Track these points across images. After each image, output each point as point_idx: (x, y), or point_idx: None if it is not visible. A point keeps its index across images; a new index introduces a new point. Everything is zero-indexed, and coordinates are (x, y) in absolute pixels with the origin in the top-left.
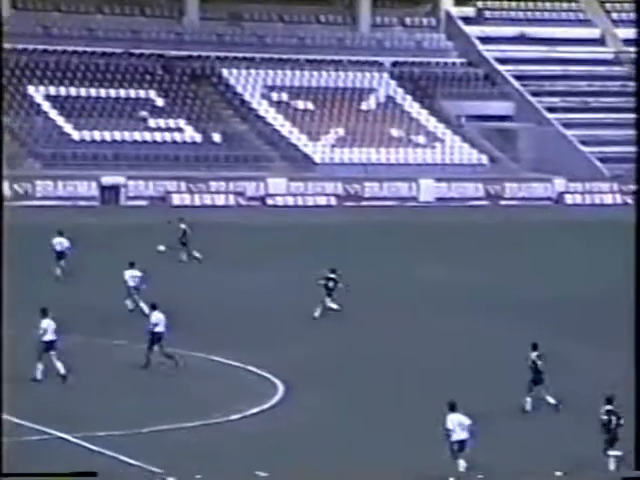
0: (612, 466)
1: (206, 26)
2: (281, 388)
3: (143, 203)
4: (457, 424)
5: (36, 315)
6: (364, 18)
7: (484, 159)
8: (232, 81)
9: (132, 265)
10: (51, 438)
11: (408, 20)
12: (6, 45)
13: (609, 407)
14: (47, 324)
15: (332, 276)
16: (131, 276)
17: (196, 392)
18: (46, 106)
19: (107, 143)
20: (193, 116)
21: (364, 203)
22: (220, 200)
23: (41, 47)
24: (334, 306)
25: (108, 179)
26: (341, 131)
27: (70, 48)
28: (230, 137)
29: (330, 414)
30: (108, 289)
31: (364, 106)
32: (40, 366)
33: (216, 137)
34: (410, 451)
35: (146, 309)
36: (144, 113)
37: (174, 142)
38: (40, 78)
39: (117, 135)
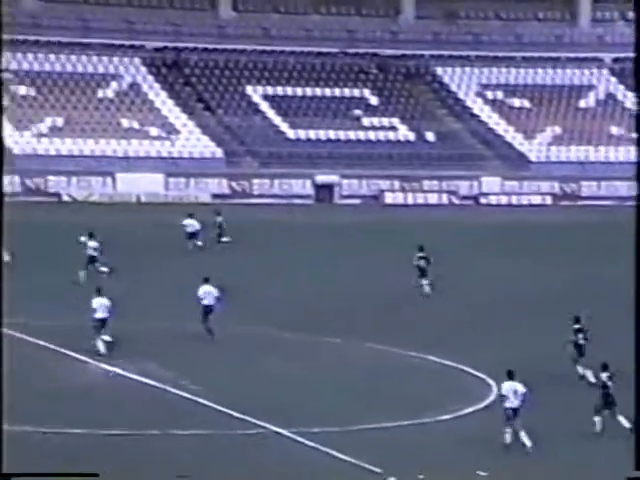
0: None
1: (421, 24)
2: (495, 388)
3: (356, 202)
4: (512, 391)
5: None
6: (584, 13)
7: None
8: (446, 79)
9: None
10: (266, 432)
11: (630, 14)
12: (227, 46)
13: None
14: (99, 303)
15: (423, 255)
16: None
17: (409, 391)
18: (264, 105)
19: (322, 142)
20: (407, 115)
21: (581, 202)
22: (433, 199)
23: (260, 48)
24: (425, 287)
25: (322, 177)
26: (558, 129)
27: (287, 48)
28: (444, 136)
29: (546, 414)
30: (316, 285)
31: (582, 104)
32: (101, 339)
33: (430, 136)
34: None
35: None
36: (358, 112)
37: (388, 141)
38: (258, 78)
39: (331, 134)
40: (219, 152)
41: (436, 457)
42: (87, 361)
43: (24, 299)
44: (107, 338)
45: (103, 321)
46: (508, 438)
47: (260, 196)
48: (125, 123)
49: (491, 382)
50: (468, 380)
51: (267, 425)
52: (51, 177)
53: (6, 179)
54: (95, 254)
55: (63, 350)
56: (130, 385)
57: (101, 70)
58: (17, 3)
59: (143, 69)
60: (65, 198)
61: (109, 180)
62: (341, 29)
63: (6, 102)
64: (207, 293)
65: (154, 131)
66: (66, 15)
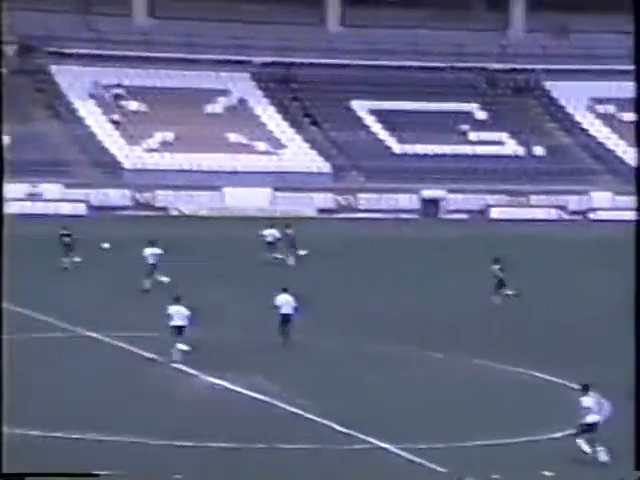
0: None
1: (531, 38)
2: (601, 405)
3: (462, 216)
4: (592, 404)
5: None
6: None
7: None
8: (556, 93)
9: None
10: (372, 447)
11: None
12: (334, 61)
13: None
14: (176, 310)
15: (499, 266)
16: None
17: (516, 408)
18: (370, 120)
19: (428, 156)
20: (515, 129)
21: None
22: (541, 214)
23: (367, 62)
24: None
25: (428, 192)
26: None
27: (394, 63)
28: (553, 150)
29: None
30: (420, 299)
31: None
32: (177, 347)
33: (539, 150)
34: None
35: None
36: (465, 126)
37: (495, 155)
38: (365, 93)
39: (438, 148)
40: (326, 167)
41: (546, 476)
42: (194, 374)
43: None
44: (184, 347)
45: (180, 329)
46: (602, 456)
47: (366, 211)
48: (233, 138)
49: (599, 399)
50: (576, 396)
51: (373, 440)
52: (160, 191)
53: (117, 193)
54: (155, 262)
55: (168, 362)
56: (236, 398)
57: (210, 86)
58: (129, 20)
59: (251, 84)
60: (173, 212)
61: (217, 194)
62: (449, 43)
63: (118, 117)
64: (285, 302)
65: (261, 146)
66: (176, 32)
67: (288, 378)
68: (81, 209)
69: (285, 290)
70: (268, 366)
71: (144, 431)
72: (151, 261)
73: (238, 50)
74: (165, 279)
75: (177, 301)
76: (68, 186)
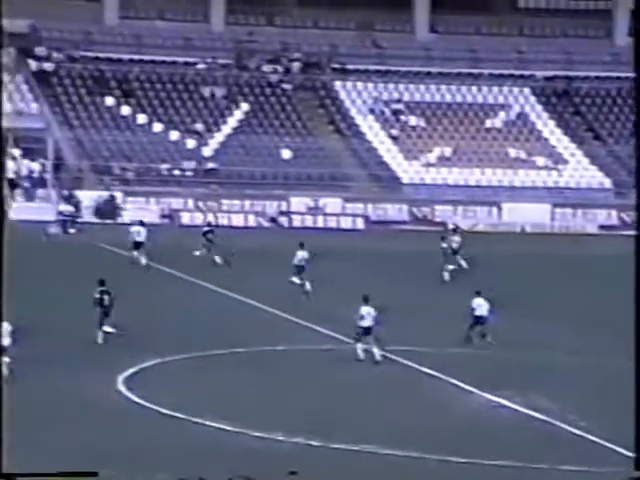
0: None
1: None
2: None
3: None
4: None
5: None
6: None
7: None
8: None
9: None
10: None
11: None
12: (620, 74)
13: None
14: (366, 311)
15: None
16: None
17: None
18: None
19: None
20: None
21: None
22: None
23: None
24: None
25: None
26: None
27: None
28: None
29: None
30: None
31: None
32: (360, 346)
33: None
34: None
35: None
36: None
37: None
38: None
39: None
40: (607, 182)
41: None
42: (470, 390)
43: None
44: (375, 350)
45: (368, 329)
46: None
47: None
48: (512, 153)
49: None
50: None
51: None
52: (438, 206)
53: (395, 207)
54: (303, 264)
55: (446, 378)
56: (512, 415)
57: (490, 100)
58: (411, 36)
59: (532, 98)
60: (451, 227)
61: (495, 210)
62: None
63: (397, 132)
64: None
65: (541, 161)
66: (457, 46)
67: (567, 397)
68: (359, 223)
69: (366, 301)
70: (546, 384)
71: (420, 446)
72: (298, 263)
73: (520, 64)
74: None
75: (366, 302)
76: (348, 200)
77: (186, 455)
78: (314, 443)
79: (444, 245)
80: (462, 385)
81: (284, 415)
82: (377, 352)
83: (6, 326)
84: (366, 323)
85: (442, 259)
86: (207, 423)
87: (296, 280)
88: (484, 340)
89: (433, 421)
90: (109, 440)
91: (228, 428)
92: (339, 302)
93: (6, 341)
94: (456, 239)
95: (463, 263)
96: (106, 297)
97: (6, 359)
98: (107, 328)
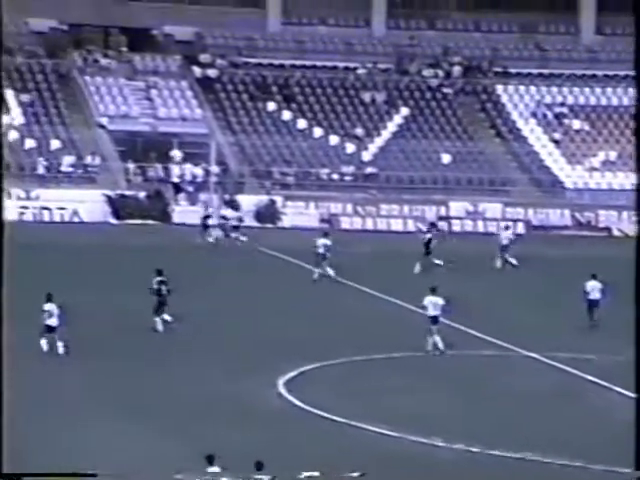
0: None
1: None
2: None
3: None
4: None
5: None
6: None
7: None
8: None
9: None
10: None
11: None
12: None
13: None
14: (429, 301)
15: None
16: None
17: None
18: None
19: None
20: None
21: None
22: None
23: None
24: None
25: None
26: None
27: None
28: None
29: None
30: None
31: None
32: (430, 339)
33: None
34: None
35: None
36: None
37: None
38: None
39: None
40: None
41: None
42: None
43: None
44: (437, 340)
45: (435, 318)
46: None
47: None
48: None
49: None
50: None
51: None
52: (602, 211)
53: (557, 212)
54: (323, 252)
55: (609, 385)
56: None
57: None
58: (576, 38)
59: None
60: (616, 233)
61: None
62: None
63: (559, 136)
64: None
65: None
66: (623, 48)
67: None
68: (520, 228)
69: (433, 291)
70: None
71: (582, 454)
72: (321, 251)
73: None
74: (331, 272)
75: (433, 292)
76: (508, 205)
77: (345, 458)
78: (474, 449)
79: None
80: (626, 393)
81: (444, 421)
82: (440, 342)
83: (53, 307)
84: (433, 312)
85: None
86: (367, 427)
87: (317, 270)
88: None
89: (596, 429)
90: (270, 440)
91: (387, 432)
92: (503, 308)
93: (54, 321)
94: None
95: None
96: (163, 287)
97: (60, 342)
98: (166, 316)
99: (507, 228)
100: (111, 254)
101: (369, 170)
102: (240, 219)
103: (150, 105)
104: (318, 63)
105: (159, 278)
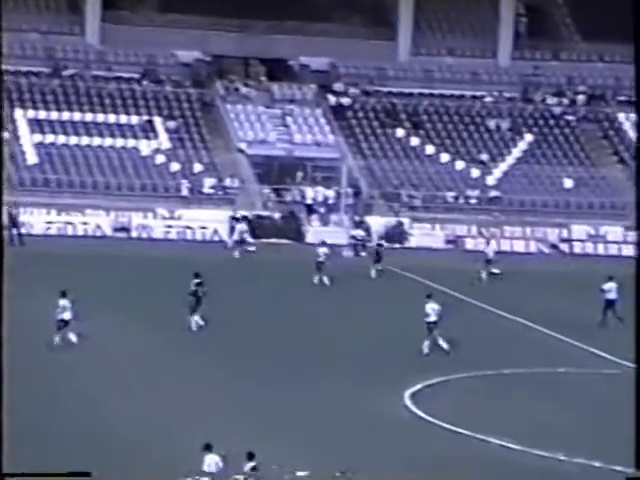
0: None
1: None
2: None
3: None
4: None
5: None
6: None
7: None
8: None
9: None
10: None
11: None
12: None
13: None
14: (430, 308)
15: None
16: None
17: None
18: None
19: None
20: None
21: None
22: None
23: None
24: None
25: None
26: None
27: None
28: None
29: None
30: None
31: None
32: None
33: None
34: None
35: None
36: None
37: None
38: None
39: None
40: None
41: None
42: None
43: None
44: (443, 344)
45: (435, 323)
46: None
47: None
48: None
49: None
50: None
51: None
52: None
53: None
54: (323, 260)
55: None
56: None
57: None
58: None
59: None
60: None
61: None
62: None
63: None
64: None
65: None
66: None
67: None
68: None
69: (429, 297)
70: None
71: None
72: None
73: None
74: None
75: (429, 298)
76: (628, 228)
77: (470, 470)
78: (596, 464)
79: None
80: None
81: (566, 436)
82: (444, 344)
83: (67, 302)
84: (433, 318)
85: None
86: (490, 440)
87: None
88: (620, 321)
89: None
90: (397, 452)
91: (511, 446)
92: (616, 327)
93: (68, 315)
94: None
95: None
96: (200, 289)
97: (72, 334)
98: (197, 318)
99: None
100: (249, 269)
101: (493, 194)
102: (366, 238)
103: (286, 131)
104: (445, 92)
105: (196, 280)
